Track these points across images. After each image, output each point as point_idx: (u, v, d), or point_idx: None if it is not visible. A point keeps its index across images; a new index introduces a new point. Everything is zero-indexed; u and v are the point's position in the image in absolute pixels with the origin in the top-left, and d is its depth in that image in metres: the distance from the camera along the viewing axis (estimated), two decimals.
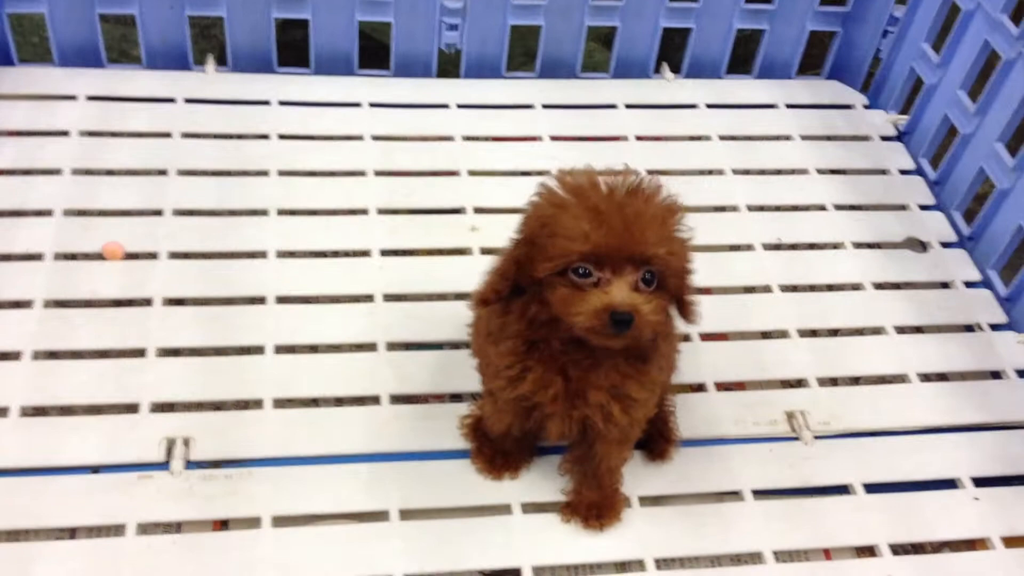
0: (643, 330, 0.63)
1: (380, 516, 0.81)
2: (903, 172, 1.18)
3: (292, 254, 1.01)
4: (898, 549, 0.83)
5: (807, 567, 0.82)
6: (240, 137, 1.12)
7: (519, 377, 0.70)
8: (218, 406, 0.88)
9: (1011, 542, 0.84)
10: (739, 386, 0.95)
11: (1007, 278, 1.04)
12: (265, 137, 1.12)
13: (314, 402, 0.90)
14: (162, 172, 1.06)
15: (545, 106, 1.20)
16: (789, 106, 1.24)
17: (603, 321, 0.62)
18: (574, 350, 0.67)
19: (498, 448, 0.82)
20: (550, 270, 0.63)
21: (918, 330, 1.01)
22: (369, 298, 0.97)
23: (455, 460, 0.85)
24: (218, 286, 0.96)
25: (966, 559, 0.83)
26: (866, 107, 1.26)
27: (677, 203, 0.64)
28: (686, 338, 0.95)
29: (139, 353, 0.90)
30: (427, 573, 0.78)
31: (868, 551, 0.83)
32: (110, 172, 1.06)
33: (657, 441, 0.85)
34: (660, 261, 0.63)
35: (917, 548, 0.84)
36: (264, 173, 1.08)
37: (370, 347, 0.93)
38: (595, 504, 0.80)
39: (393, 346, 0.93)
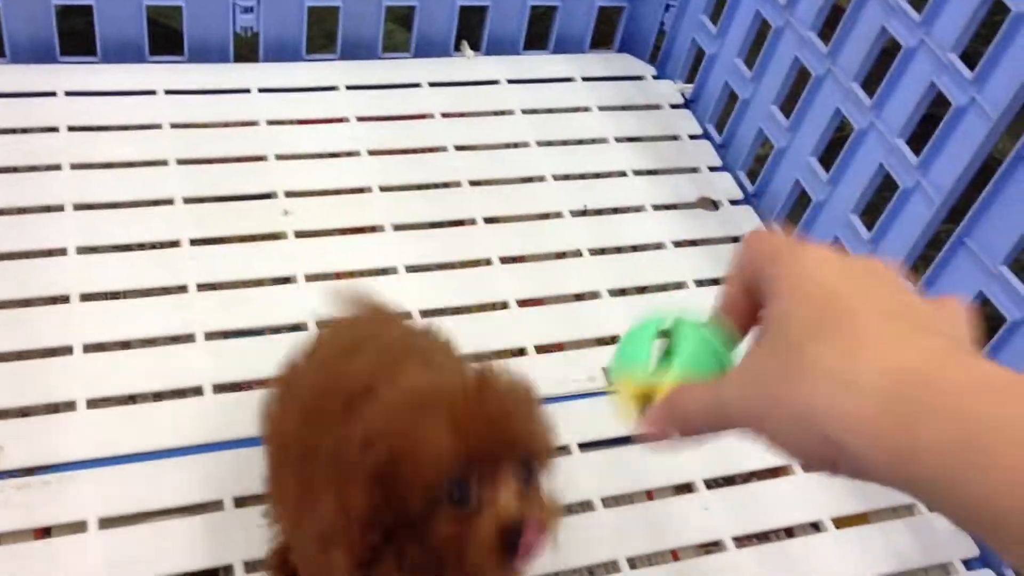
0: (540, 538, 0.52)
1: (215, 506, 0.79)
2: (692, 137, 1.25)
3: (94, 249, 0.96)
4: (714, 482, 0.90)
5: (630, 509, 0.87)
6: (25, 131, 1.06)
7: None
8: (24, 412, 0.83)
9: None
10: (558, 347, 0.99)
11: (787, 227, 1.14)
12: (54, 130, 1.06)
13: (131, 399, 0.87)
14: None
15: (349, 87, 1.20)
16: (585, 79, 1.30)
17: (503, 546, 0.50)
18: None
19: None
20: (422, 501, 0.51)
21: (715, 282, 1.08)
22: (182, 289, 0.95)
23: None
24: (14, 288, 0.91)
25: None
26: (655, 78, 1.33)
27: (528, 384, 0.55)
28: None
29: None
30: None
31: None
32: None
33: None
34: (536, 451, 0.54)
35: (729, 480, 0.91)
36: (56, 167, 1.02)
37: (187, 338, 0.91)
38: None
39: (212, 335, 0.91)
